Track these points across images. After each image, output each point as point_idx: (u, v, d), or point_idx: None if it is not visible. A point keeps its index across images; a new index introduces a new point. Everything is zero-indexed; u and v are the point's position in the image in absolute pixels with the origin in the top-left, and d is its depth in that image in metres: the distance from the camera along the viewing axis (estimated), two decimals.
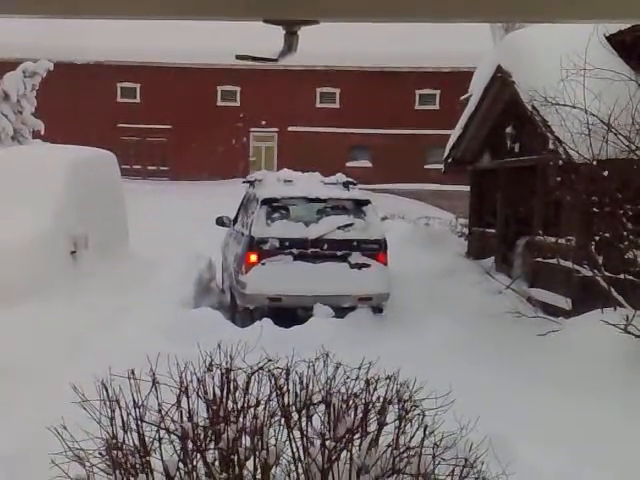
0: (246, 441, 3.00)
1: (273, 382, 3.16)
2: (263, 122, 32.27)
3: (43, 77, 18.36)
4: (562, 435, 5.20)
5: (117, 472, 3.00)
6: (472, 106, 12.77)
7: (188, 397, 3.12)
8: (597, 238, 8.21)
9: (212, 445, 3.03)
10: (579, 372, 6.79)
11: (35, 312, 7.16)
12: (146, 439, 3.00)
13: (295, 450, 3.08)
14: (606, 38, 9.70)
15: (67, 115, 28.32)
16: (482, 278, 10.71)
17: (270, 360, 3.27)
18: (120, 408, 3.05)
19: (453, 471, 2.95)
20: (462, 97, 14.85)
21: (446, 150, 14.23)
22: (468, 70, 16.93)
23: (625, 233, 7.80)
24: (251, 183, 11.04)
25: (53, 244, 8.71)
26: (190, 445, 2.98)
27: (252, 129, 32.54)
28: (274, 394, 3.13)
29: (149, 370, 3.16)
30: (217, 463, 3.03)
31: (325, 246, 9.45)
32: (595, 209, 8.05)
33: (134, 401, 3.07)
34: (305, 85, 31.31)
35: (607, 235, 8.03)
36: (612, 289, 8.03)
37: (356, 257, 9.49)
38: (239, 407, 3.11)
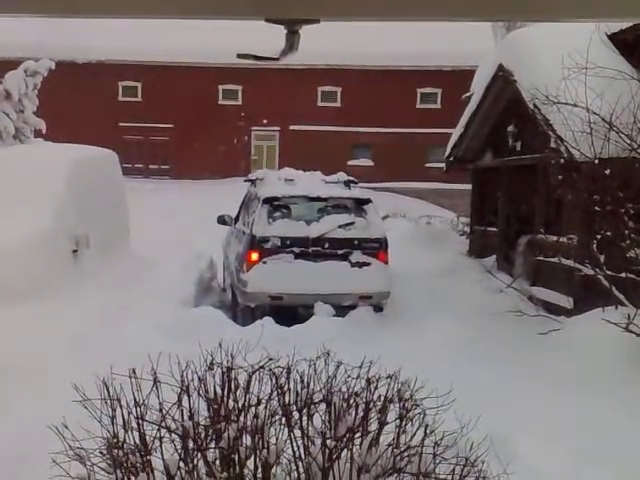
0: (247, 440, 3.00)
1: (274, 381, 3.16)
2: (264, 121, 32.26)
3: (45, 76, 18.36)
4: (563, 434, 5.20)
5: (118, 471, 3.00)
6: (474, 105, 12.76)
7: (189, 396, 3.12)
8: (599, 237, 8.21)
9: (213, 444, 3.03)
10: (580, 371, 6.78)
11: (36, 311, 7.16)
12: (147, 438, 3.00)
13: (296, 449, 3.08)
14: (608, 37, 9.69)
15: (69, 114, 28.32)
16: (483, 277, 10.71)
17: (271, 359, 3.27)
18: (121, 407, 3.05)
19: (454, 470, 2.95)
20: (464, 96, 14.84)
21: (447, 149, 14.22)
22: (470, 69, 16.92)
23: (627, 232, 7.80)
24: (252, 182, 11.05)
25: (54, 243, 8.72)
26: (191, 444, 2.98)
27: (253, 128, 32.53)
28: (275, 393, 3.13)
29: (150, 369, 3.16)
30: (218, 462, 3.03)
31: (326, 245, 9.47)
32: (597, 208, 8.05)
33: (135, 400, 3.07)
34: (306, 84, 31.30)
35: (609, 234, 8.02)
36: (613, 288, 8.03)
37: (357, 256, 9.51)
38: (240, 406, 3.11)
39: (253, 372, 3.19)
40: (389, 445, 3.04)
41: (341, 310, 9.33)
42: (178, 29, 25.89)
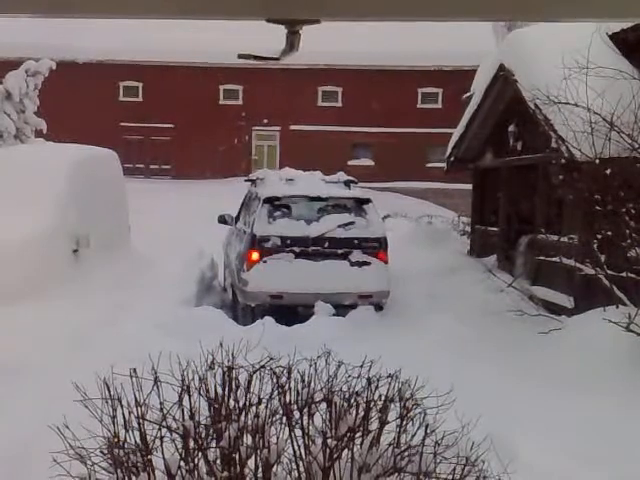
0: (247, 439, 3.00)
1: (275, 380, 3.16)
2: (265, 121, 32.27)
3: (45, 76, 18.36)
4: (564, 434, 5.20)
5: (119, 471, 3.00)
6: (474, 105, 12.76)
7: (190, 395, 3.12)
8: (599, 236, 8.20)
9: (213, 443, 3.03)
10: (581, 370, 6.78)
11: (37, 310, 7.17)
12: (148, 437, 3.00)
13: (296, 448, 3.08)
14: (609, 36, 9.68)
15: (69, 114, 28.33)
16: (484, 276, 10.71)
17: (272, 358, 3.27)
18: (122, 406, 3.05)
19: (454, 470, 2.95)
20: (464, 96, 14.83)
21: (448, 149, 14.22)
22: (470, 69, 16.91)
23: (627, 231, 7.79)
24: (253, 182, 11.08)
25: (55, 243, 8.73)
26: (191, 443, 2.98)
27: (254, 128, 32.53)
28: (276, 392, 3.13)
29: (151, 368, 3.16)
30: (218, 461, 3.03)
31: (326, 244, 9.52)
32: (597, 207, 8.04)
33: (136, 399, 3.07)
34: (307, 84, 31.30)
35: (609, 233, 8.01)
36: (614, 287, 8.03)
37: (357, 255, 9.56)
38: (241, 405, 3.11)
39: (254, 371, 3.19)
40: (390, 444, 3.05)
41: (341, 309, 9.36)
42: (179, 29, 25.91)
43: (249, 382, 3.16)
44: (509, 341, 8.10)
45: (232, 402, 3.15)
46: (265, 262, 9.43)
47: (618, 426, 5.43)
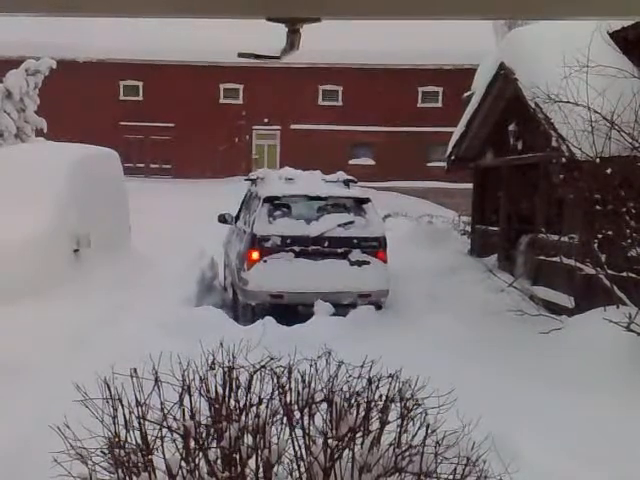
0: (248, 439, 3.00)
1: (275, 380, 3.16)
2: (266, 120, 32.26)
3: (46, 75, 18.35)
4: (564, 433, 5.20)
5: (119, 470, 3.00)
6: (475, 104, 12.75)
7: (190, 395, 3.12)
8: (600, 236, 8.20)
9: (214, 443, 3.03)
10: (582, 370, 6.78)
11: (37, 310, 7.17)
12: (148, 437, 3.00)
13: (297, 449, 3.08)
14: (609, 35, 9.67)
15: (70, 113, 28.34)
16: (485, 276, 10.71)
17: (272, 358, 3.27)
18: (122, 406, 3.05)
19: (455, 470, 2.95)
20: (465, 94, 14.83)
21: (449, 148, 14.22)
22: (471, 67, 16.91)
23: (628, 231, 7.79)
24: (253, 181, 11.10)
25: (55, 242, 8.72)
26: (192, 443, 2.98)
27: (255, 127, 32.54)
28: (276, 392, 3.13)
29: (151, 368, 3.16)
30: (219, 461, 3.03)
31: (326, 243, 9.56)
32: (598, 207, 8.03)
33: (136, 399, 3.07)
34: (307, 83, 31.30)
35: (610, 233, 8.01)
36: (615, 287, 8.02)
37: (356, 254, 9.61)
38: (241, 405, 3.11)
39: (254, 372, 3.19)
40: (390, 444, 3.04)
41: (341, 309, 9.39)
42: (179, 28, 25.91)
43: (250, 382, 3.16)
44: (509, 341, 8.10)
45: (233, 402, 3.14)
46: (265, 261, 9.46)
47: (618, 426, 5.43)
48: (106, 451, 3.01)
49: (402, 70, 30.96)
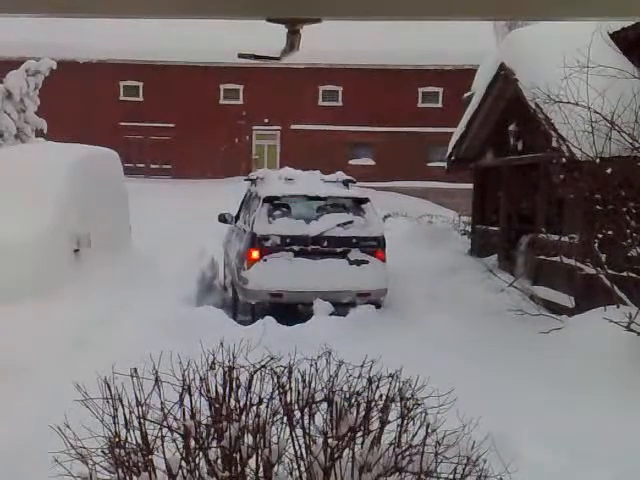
0: (248, 439, 3.00)
1: (275, 380, 3.16)
2: (266, 120, 32.27)
3: (46, 76, 18.35)
4: (564, 433, 5.20)
5: (120, 470, 3.01)
6: (475, 104, 12.76)
7: (191, 395, 3.12)
8: (600, 236, 8.20)
9: (214, 443, 3.03)
10: (582, 370, 6.78)
11: (37, 310, 7.17)
12: (149, 437, 3.01)
13: (297, 448, 3.08)
14: (609, 35, 9.67)
15: (70, 114, 28.35)
16: (485, 276, 10.71)
17: (272, 358, 3.27)
18: (123, 406, 3.05)
19: (455, 469, 2.95)
20: (465, 95, 14.83)
21: (449, 148, 14.22)
22: (471, 68, 16.92)
23: (628, 231, 7.79)
24: (253, 181, 11.16)
25: (56, 242, 8.73)
26: (192, 443, 2.98)
27: (255, 127, 32.54)
28: (276, 392, 3.13)
29: (152, 368, 3.16)
30: (219, 461, 3.03)
31: (325, 243, 9.64)
32: (598, 207, 8.03)
33: (137, 399, 3.07)
34: (308, 83, 31.31)
35: (610, 233, 8.01)
36: (615, 287, 8.02)
37: (355, 254, 9.69)
38: (241, 405, 3.11)
39: (255, 371, 3.19)
40: (391, 444, 3.04)
41: (341, 308, 9.43)
42: (179, 29, 25.92)
43: (250, 382, 3.16)
44: (510, 341, 8.10)
45: (233, 402, 3.15)
46: (265, 260, 9.53)
47: (618, 426, 5.43)
48: (106, 451, 3.01)
49: (402, 70, 30.97)
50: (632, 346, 6.95)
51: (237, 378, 3.20)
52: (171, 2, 1.13)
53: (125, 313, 8.11)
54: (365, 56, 30.14)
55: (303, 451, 3.07)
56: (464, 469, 2.95)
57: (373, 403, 3.14)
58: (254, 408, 3.07)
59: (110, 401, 3.06)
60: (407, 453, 2.98)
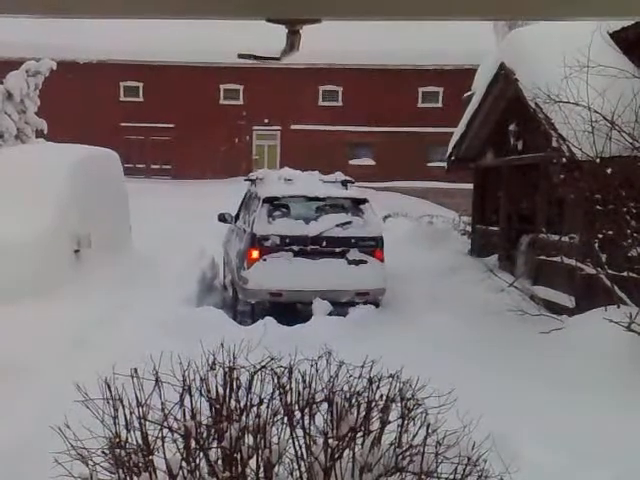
0: (249, 440, 3.00)
1: (276, 381, 3.16)
2: (266, 120, 32.27)
3: (46, 76, 18.35)
4: (565, 433, 5.20)
5: (120, 471, 3.00)
6: (475, 104, 12.76)
7: (191, 396, 3.12)
8: (600, 236, 8.20)
9: (215, 444, 3.03)
10: (582, 370, 6.77)
11: (38, 310, 7.17)
12: (149, 438, 3.00)
13: (298, 449, 3.08)
14: (609, 35, 9.67)
15: (70, 114, 28.35)
16: (485, 276, 10.70)
17: (273, 358, 3.27)
18: (123, 407, 3.05)
19: (456, 469, 2.95)
20: (465, 95, 14.83)
21: (449, 148, 14.22)
22: (471, 68, 16.92)
23: (628, 231, 7.79)
24: (252, 181, 11.21)
25: (56, 243, 8.73)
26: (193, 444, 2.98)
27: (255, 127, 32.54)
28: (277, 393, 3.13)
29: (152, 369, 3.16)
30: (220, 462, 3.03)
31: (324, 243, 9.72)
32: (598, 207, 8.03)
33: (137, 400, 3.07)
34: (308, 83, 31.30)
35: (610, 233, 8.01)
36: (615, 287, 8.02)
37: (354, 254, 9.77)
38: (242, 406, 3.11)
39: (255, 372, 3.19)
40: (391, 444, 3.04)
41: (340, 308, 9.48)
42: (180, 29, 25.91)
43: (250, 382, 3.16)
44: (510, 341, 8.10)
45: (233, 402, 3.15)
46: (265, 260, 9.60)
47: (618, 426, 5.43)
48: (107, 451, 3.01)
49: (402, 70, 30.96)
50: (632, 346, 6.94)
51: (237, 378, 3.20)
52: (171, 2, 1.13)
53: (125, 313, 8.12)
54: (365, 56, 30.14)
55: (303, 451, 3.07)
56: (465, 469, 2.95)
57: (373, 403, 3.14)
58: (254, 408, 3.07)
59: (111, 401, 3.05)
60: (408, 453, 2.98)
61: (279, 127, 32.39)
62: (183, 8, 1.13)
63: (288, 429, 3.09)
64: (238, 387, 3.18)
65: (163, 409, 3.03)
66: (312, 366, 3.24)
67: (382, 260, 9.96)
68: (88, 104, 30.16)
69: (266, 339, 4.00)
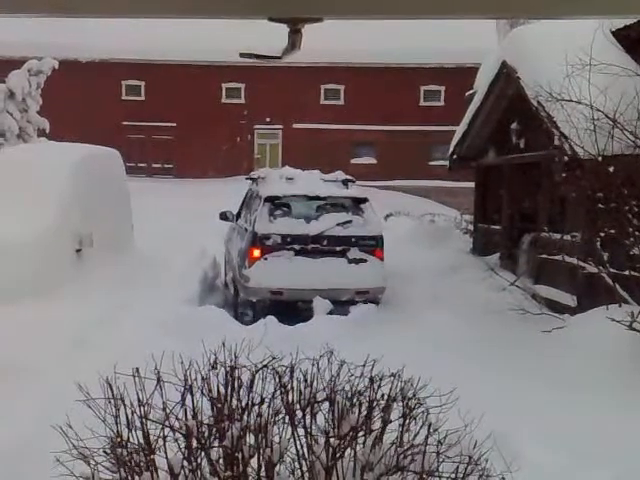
0: (250, 439, 3.00)
1: (277, 380, 3.16)
2: (267, 119, 32.27)
3: (48, 75, 18.37)
4: (565, 432, 5.19)
5: (122, 470, 3.01)
6: (477, 102, 12.74)
7: (192, 395, 3.12)
8: (602, 234, 8.19)
9: (216, 443, 3.03)
10: (583, 369, 6.77)
11: (39, 310, 7.18)
12: (151, 437, 3.01)
13: (299, 448, 3.08)
14: (612, 33, 9.65)
15: (72, 113, 28.35)
16: (487, 275, 10.69)
17: (274, 358, 3.27)
18: (125, 406, 3.05)
19: (457, 468, 2.95)
20: (467, 93, 14.82)
21: (451, 146, 14.20)
22: (473, 66, 16.91)
23: (630, 229, 7.78)
24: (254, 180, 11.22)
25: (58, 242, 8.74)
26: (194, 443, 2.98)
27: (256, 126, 32.54)
28: (278, 392, 3.13)
29: (153, 368, 3.16)
30: (221, 461, 3.03)
31: (325, 242, 9.79)
32: (600, 205, 8.02)
33: (139, 399, 3.07)
34: (309, 82, 31.28)
35: (612, 231, 8.00)
36: (617, 286, 8.01)
37: (354, 253, 9.83)
38: (243, 405, 3.11)
39: (256, 371, 3.19)
40: (392, 443, 3.04)
41: (341, 307, 9.51)
42: (181, 28, 25.90)
43: (252, 381, 3.16)
44: (511, 340, 8.09)
45: (235, 401, 3.14)
46: (266, 259, 9.66)
47: (618, 426, 5.42)
48: (108, 451, 3.01)
49: (404, 69, 30.93)
50: (634, 345, 6.94)
51: (239, 378, 3.20)
52: (172, 2, 1.12)
53: (126, 313, 8.12)
54: (367, 55, 30.12)
55: (305, 451, 3.07)
56: (466, 468, 2.95)
57: (375, 403, 3.14)
58: (256, 408, 3.07)
59: (112, 401, 3.06)
60: (409, 452, 2.98)
61: (281, 126, 32.38)
62: (184, 7, 1.12)
63: (289, 428, 3.08)
64: (239, 386, 3.18)
65: (164, 408, 3.03)
66: (313, 365, 3.24)
67: (382, 259, 10.01)
68: (90, 103, 30.17)
69: (267, 338, 4.00)
